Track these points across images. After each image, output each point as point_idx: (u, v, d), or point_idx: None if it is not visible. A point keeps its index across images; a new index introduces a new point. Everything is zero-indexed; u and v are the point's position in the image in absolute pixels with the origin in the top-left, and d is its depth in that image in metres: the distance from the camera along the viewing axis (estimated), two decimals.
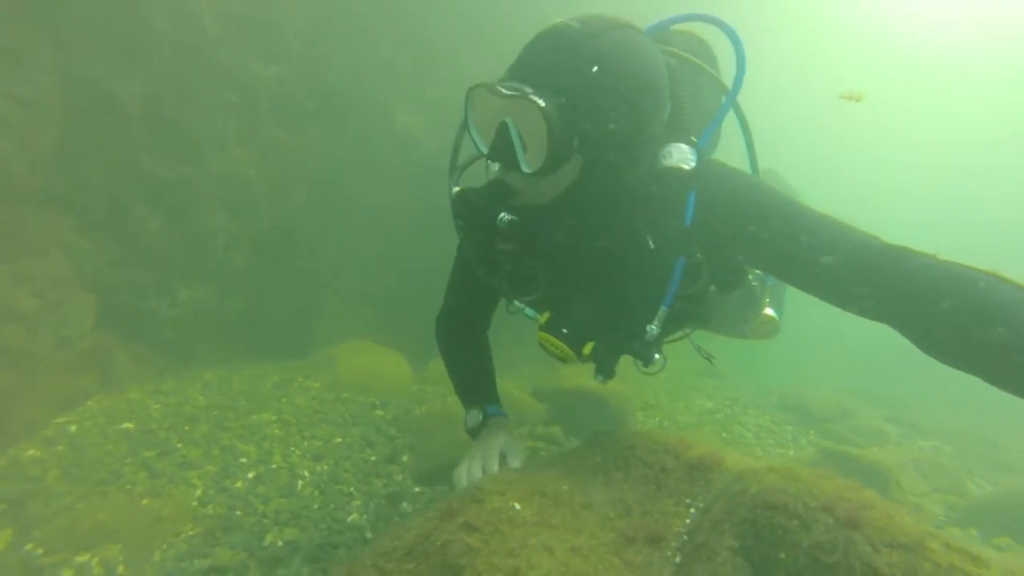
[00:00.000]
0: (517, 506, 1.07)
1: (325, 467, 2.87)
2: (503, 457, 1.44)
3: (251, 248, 4.39)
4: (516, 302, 1.55)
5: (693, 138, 1.39)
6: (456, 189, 1.37)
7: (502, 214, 1.25)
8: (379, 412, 3.58)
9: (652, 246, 1.36)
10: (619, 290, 1.47)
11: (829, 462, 3.05)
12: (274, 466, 2.82)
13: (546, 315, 1.51)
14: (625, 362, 1.59)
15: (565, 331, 1.47)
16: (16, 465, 2.51)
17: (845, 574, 0.83)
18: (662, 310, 1.39)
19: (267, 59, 4.31)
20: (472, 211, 1.29)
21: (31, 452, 2.63)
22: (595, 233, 1.36)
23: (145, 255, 3.82)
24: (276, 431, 3.17)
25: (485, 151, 1.30)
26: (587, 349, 1.47)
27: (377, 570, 1.01)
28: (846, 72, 21.61)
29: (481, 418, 1.67)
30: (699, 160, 1.32)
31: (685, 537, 1.09)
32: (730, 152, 1.75)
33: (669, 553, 1.06)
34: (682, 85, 1.43)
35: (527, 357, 4.56)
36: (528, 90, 1.17)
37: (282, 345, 4.46)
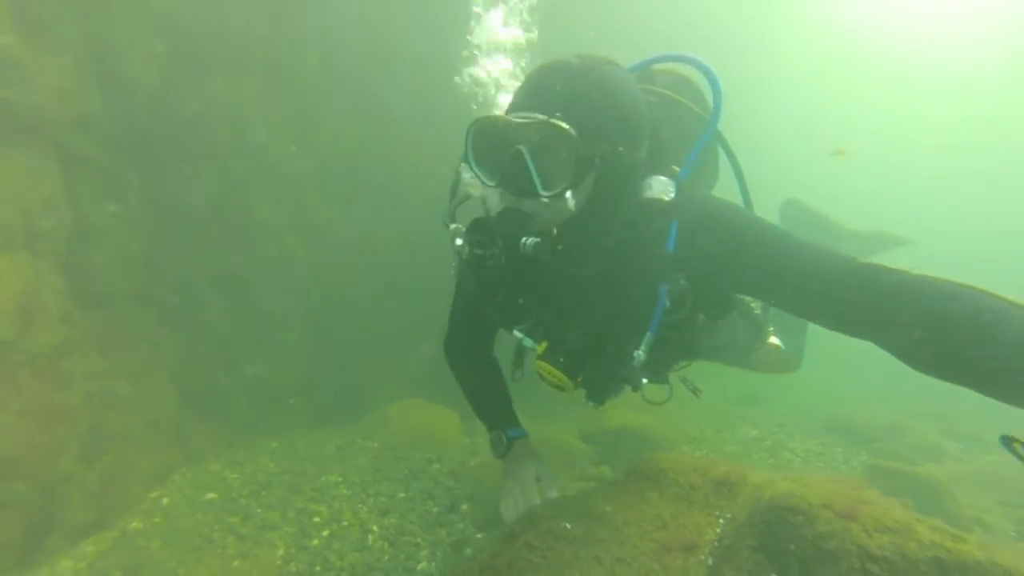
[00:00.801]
0: (568, 526, 1.28)
1: (392, 521, 3.08)
2: (538, 481, 1.59)
3: (304, 323, 4.77)
4: (514, 332, 1.61)
5: (675, 168, 1.46)
6: (454, 225, 1.44)
7: (524, 238, 1.27)
8: (436, 466, 3.79)
9: (637, 273, 1.41)
10: (607, 316, 1.51)
11: (875, 479, 3.07)
12: (345, 523, 3.05)
13: (543, 345, 1.55)
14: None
15: (561, 360, 1.50)
16: (126, 536, 2.82)
17: (843, 556, 1.01)
18: (648, 336, 1.43)
19: (308, 153, 4.82)
20: (494, 237, 1.30)
21: (135, 524, 2.94)
22: (591, 259, 1.40)
23: (214, 338, 4.24)
24: (343, 491, 3.41)
25: (493, 183, 1.33)
26: (581, 376, 1.52)
27: None
28: (838, 76, 21.70)
29: (505, 441, 1.80)
30: (679, 191, 1.37)
31: (716, 543, 1.27)
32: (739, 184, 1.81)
33: (702, 557, 1.24)
34: (661, 121, 1.50)
35: (570, 402, 4.73)
36: (542, 117, 1.23)
37: (339, 410, 4.75)
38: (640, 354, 1.42)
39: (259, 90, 4.36)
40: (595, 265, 1.41)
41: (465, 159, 1.38)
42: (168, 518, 3.05)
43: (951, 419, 5.85)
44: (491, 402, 1.94)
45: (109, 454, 3.14)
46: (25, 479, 2.47)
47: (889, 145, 26.08)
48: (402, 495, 3.38)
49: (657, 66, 1.83)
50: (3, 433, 2.38)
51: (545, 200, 1.26)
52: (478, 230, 1.31)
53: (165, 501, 3.24)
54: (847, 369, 7.12)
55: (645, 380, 1.52)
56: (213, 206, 4.14)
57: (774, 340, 1.92)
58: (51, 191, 3.05)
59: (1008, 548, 1.01)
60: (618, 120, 1.29)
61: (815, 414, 5.73)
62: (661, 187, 1.36)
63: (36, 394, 2.62)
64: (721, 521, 1.34)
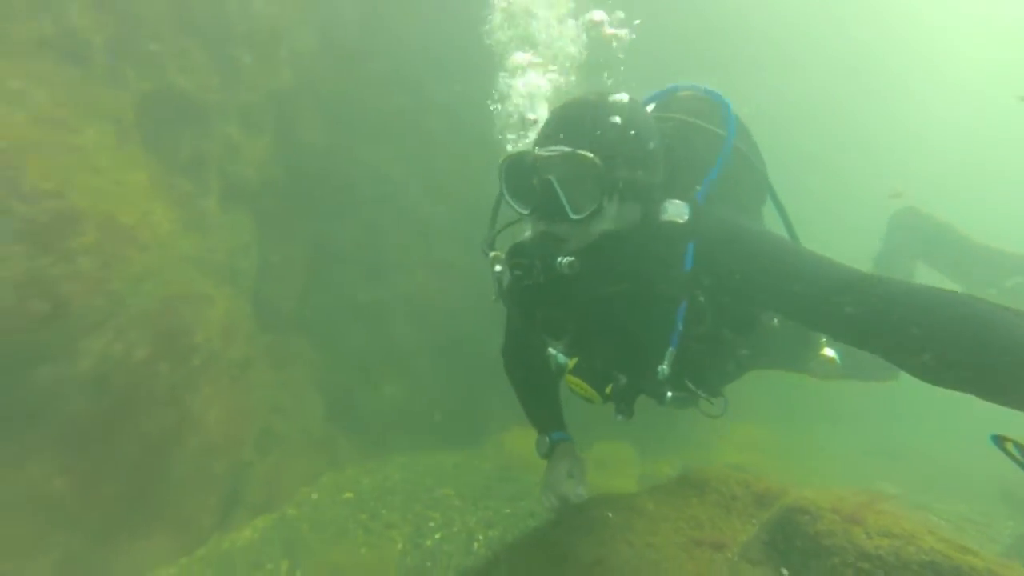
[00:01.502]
0: (610, 515, 1.49)
1: (495, 532, 3.37)
2: (570, 478, 1.73)
3: (433, 352, 5.36)
4: (550, 349, 1.69)
5: (699, 187, 1.52)
6: (493, 253, 1.56)
7: (560, 258, 1.36)
8: None
9: (658, 291, 1.47)
10: (631, 332, 1.58)
11: None
12: (455, 530, 3.40)
13: (574, 360, 1.64)
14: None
15: (590, 374, 1.60)
16: (285, 519, 3.47)
17: (837, 552, 1.11)
18: (670, 351, 1.48)
19: (435, 199, 5.52)
20: (532, 259, 1.37)
21: (291, 511, 3.59)
22: (617, 278, 1.48)
23: (355, 362, 4.98)
24: (456, 503, 3.79)
25: (527, 211, 1.45)
26: (608, 389, 1.60)
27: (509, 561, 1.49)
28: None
29: (548, 443, 1.92)
30: (693, 213, 1.43)
31: (744, 543, 1.39)
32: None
33: (730, 555, 1.37)
34: (677, 146, 1.59)
35: (676, 438, 4.70)
36: (568, 149, 1.36)
37: (460, 433, 5.21)
38: (664, 368, 1.48)
39: (396, 150, 5.18)
40: (619, 284, 1.51)
41: (500, 192, 1.52)
42: (315, 509, 3.66)
43: None
44: (539, 407, 2.05)
45: (275, 452, 3.88)
46: (223, 460, 3.21)
47: None
48: (507, 511, 3.66)
49: (682, 92, 1.90)
50: (213, 422, 3.14)
51: (576, 222, 1.38)
52: (517, 253, 1.42)
53: (314, 496, 3.88)
54: None
55: (670, 393, 1.55)
56: (354, 247, 4.96)
57: (828, 352, 1.87)
58: (247, 239, 3.97)
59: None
60: (635, 147, 1.42)
61: (988, 476, 4.93)
62: (676, 210, 1.44)
63: (231, 395, 3.40)
64: (756, 528, 1.45)
